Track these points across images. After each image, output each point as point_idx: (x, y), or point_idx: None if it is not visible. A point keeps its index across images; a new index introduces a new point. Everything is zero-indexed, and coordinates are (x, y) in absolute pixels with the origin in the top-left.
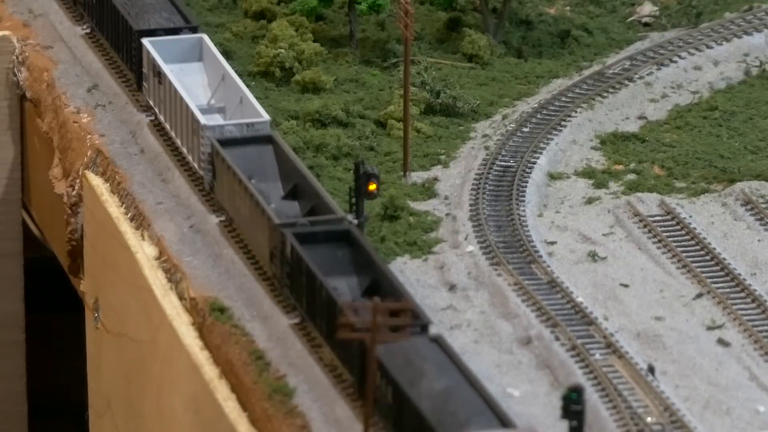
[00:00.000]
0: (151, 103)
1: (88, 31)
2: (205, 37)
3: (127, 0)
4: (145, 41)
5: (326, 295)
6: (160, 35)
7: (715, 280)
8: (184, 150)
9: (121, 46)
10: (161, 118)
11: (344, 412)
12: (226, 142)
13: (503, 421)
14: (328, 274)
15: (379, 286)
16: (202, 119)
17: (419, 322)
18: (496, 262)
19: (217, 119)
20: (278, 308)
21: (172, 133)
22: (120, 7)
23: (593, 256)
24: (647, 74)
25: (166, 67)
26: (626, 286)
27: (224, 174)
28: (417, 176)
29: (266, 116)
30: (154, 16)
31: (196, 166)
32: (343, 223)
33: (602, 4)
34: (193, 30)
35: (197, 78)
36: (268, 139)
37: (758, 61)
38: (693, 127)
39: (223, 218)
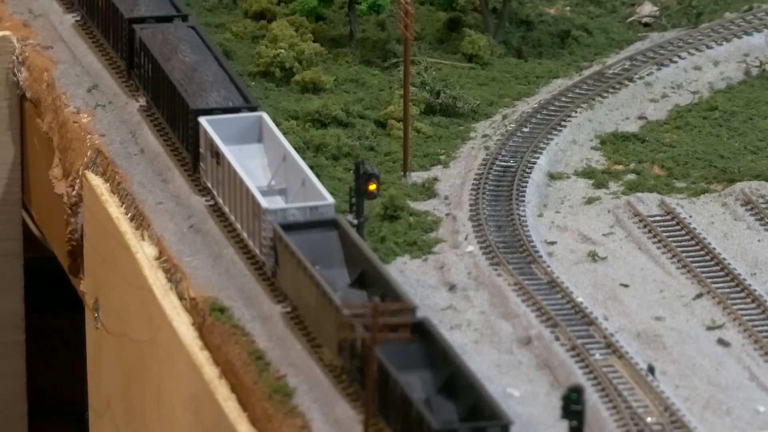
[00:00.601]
0: (209, 184)
1: (144, 105)
2: (265, 116)
3: (184, 76)
4: (203, 120)
5: (401, 392)
6: (218, 114)
7: (715, 280)
8: (245, 234)
9: (177, 124)
10: (219, 200)
11: (344, 412)
12: (289, 227)
13: None
14: (401, 369)
15: (455, 382)
16: (264, 202)
17: (499, 423)
18: (496, 262)
19: (278, 202)
20: (278, 308)
21: (232, 217)
22: (177, 83)
23: (593, 256)
24: (647, 74)
25: (224, 148)
26: (626, 286)
27: (288, 261)
28: (417, 176)
29: (330, 199)
30: (212, 94)
31: (257, 251)
32: (415, 313)
33: (602, 4)
34: (252, 109)
35: (257, 159)
36: (332, 224)
37: (758, 61)
38: (693, 127)
39: (288, 309)
